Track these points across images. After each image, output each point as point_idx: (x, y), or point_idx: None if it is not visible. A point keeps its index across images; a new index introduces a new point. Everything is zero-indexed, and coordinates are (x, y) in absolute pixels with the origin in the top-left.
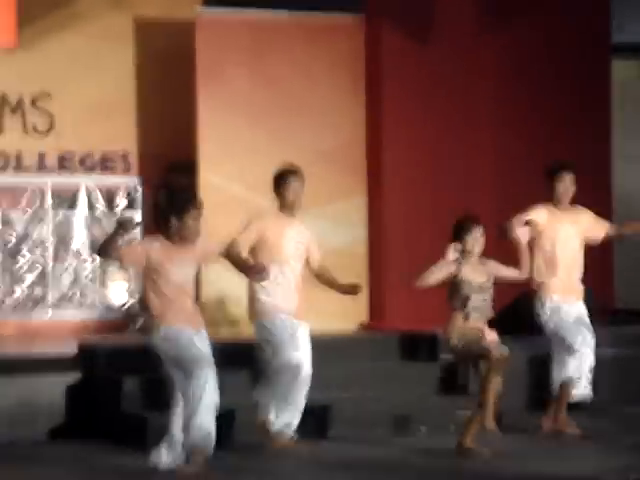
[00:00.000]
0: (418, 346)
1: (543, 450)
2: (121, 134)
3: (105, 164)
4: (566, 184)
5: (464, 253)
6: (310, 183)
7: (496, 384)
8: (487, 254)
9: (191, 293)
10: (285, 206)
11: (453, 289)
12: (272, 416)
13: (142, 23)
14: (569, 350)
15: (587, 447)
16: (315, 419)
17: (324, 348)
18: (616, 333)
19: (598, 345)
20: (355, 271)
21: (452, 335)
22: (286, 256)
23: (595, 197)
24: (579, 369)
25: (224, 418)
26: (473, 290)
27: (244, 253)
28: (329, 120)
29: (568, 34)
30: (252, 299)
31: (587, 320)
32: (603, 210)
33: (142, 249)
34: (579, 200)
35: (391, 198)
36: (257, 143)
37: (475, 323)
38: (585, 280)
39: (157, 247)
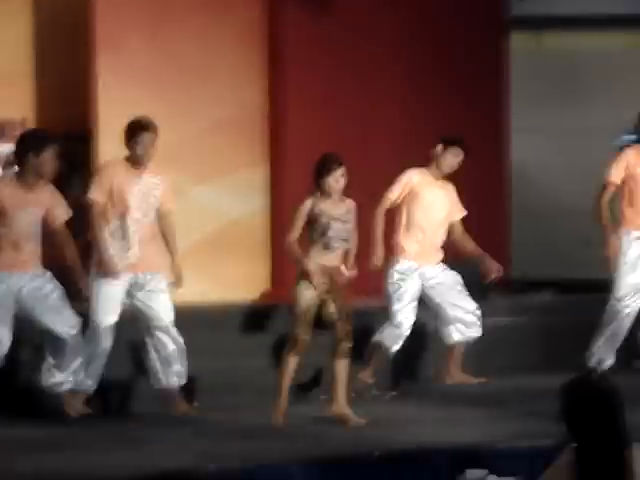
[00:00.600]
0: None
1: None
2: (18, 102)
3: (2, 132)
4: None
5: (323, 192)
6: (212, 153)
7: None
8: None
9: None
10: (134, 159)
11: (312, 222)
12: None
13: None
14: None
15: (480, 414)
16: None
17: (224, 318)
18: (512, 302)
19: (494, 314)
20: (257, 241)
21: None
22: (130, 209)
23: (490, 168)
24: None
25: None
26: (332, 219)
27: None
28: (231, 90)
29: (462, 5)
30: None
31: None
32: (498, 181)
33: None
34: (476, 171)
35: (293, 167)
36: (158, 114)
37: (331, 258)
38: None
39: (6, 193)
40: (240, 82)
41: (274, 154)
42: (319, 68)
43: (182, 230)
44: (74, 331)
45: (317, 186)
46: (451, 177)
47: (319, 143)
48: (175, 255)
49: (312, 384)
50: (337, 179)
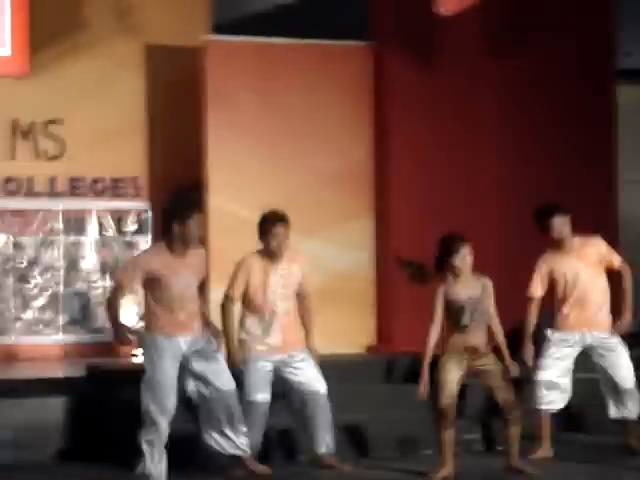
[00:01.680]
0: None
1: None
2: (131, 159)
3: (115, 189)
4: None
5: (454, 272)
6: (318, 207)
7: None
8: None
9: (193, 300)
10: (270, 252)
11: (447, 309)
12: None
13: (152, 50)
14: None
15: None
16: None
17: (333, 370)
18: None
19: None
20: (363, 294)
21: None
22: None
23: (601, 220)
24: None
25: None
26: (466, 303)
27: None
28: (337, 145)
29: (570, 59)
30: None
31: None
32: (609, 234)
33: (140, 266)
34: (585, 225)
35: (398, 221)
36: (265, 168)
37: (474, 337)
38: None
39: (157, 259)
40: (346, 136)
41: (379, 208)
42: (424, 124)
43: None
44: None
45: (444, 268)
46: None
47: (423, 198)
48: (312, 336)
49: None
50: (463, 257)
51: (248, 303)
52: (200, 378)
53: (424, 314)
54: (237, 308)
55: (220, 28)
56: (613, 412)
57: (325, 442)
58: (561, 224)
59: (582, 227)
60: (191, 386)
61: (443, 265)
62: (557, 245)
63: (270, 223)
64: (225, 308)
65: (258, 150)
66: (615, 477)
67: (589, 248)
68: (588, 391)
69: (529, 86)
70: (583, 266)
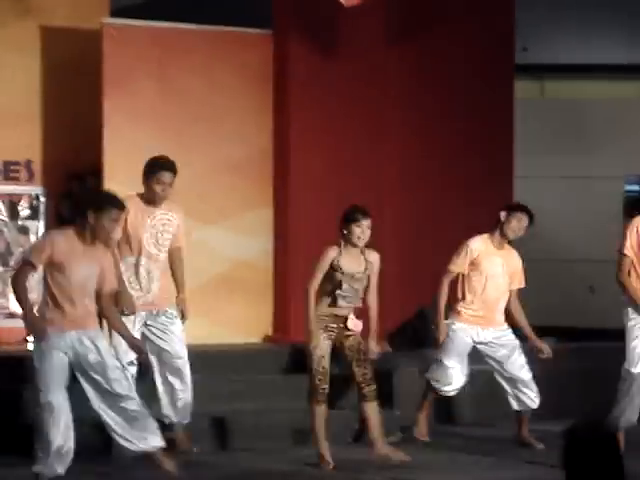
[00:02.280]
0: None
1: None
2: (25, 143)
3: (8, 172)
4: None
5: (347, 241)
6: (218, 194)
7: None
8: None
9: (90, 295)
10: (150, 197)
11: (328, 274)
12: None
13: (48, 32)
14: None
15: (486, 460)
16: (215, 431)
17: (227, 359)
18: None
19: None
20: (261, 284)
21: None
22: (144, 245)
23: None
24: None
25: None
26: (346, 278)
27: None
28: (237, 131)
29: (472, 53)
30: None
31: None
32: None
33: (49, 244)
34: (484, 218)
35: (297, 210)
36: (164, 153)
37: (340, 309)
38: None
39: (65, 241)
40: (247, 124)
41: (279, 196)
42: (325, 111)
43: (187, 271)
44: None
45: (342, 236)
46: (458, 221)
47: (324, 187)
48: (182, 290)
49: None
50: (363, 230)
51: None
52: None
53: None
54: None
55: (120, 12)
56: (514, 404)
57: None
58: (517, 224)
59: (481, 221)
60: None
61: (341, 233)
62: (492, 237)
63: (158, 168)
64: None
65: (157, 136)
66: (502, 467)
67: (514, 260)
68: (484, 383)
69: (431, 77)
70: (502, 271)
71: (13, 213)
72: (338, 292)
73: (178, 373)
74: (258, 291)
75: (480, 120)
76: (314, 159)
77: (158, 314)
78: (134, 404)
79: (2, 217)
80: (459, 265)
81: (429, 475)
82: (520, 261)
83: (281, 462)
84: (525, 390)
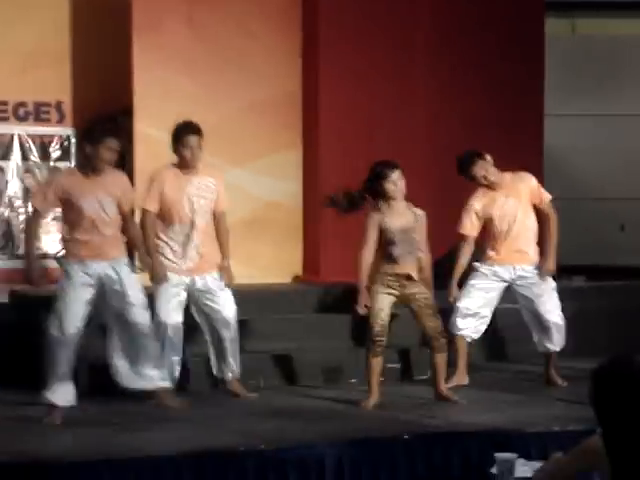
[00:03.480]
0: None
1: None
2: (55, 84)
3: (39, 114)
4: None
5: (386, 199)
6: (246, 136)
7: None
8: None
9: (110, 224)
10: (183, 164)
11: (381, 237)
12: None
13: None
14: None
15: (512, 399)
16: (247, 370)
17: (258, 300)
18: None
19: None
20: (290, 225)
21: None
22: (185, 213)
23: (527, 156)
24: None
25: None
26: (398, 235)
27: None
28: (265, 73)
29: None
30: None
31: None
32: (534, 169)
33: (52, 187)
34: (513, 159)
35: (326, 151)
36: (193, 95)
37: (401, 266)
38: None
39: (69, 179)
40: (275, 65)
41: (308, 138)
42: (355, 53)
43: None
44: None
45: (377, 196)
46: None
47: (352, 129)
48: (227, 257)
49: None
50: (395, 182)
51: (163, 216)
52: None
53: (351, 245)
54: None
55: None
56: (539, 345)
57: (231, 368)
58: (481, 170)
59: (511, 161)
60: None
61: (375, 192)
62: (487, 185)
63: (183, 133)
64: (143, 222)
65: (185, 77)
66: (534, 405)
67: (520, 184)
68: (514, 322)
69: (461, 17)
70: (513, 202)
71: (44, 154)
72: (393, 249)
73: (228, 330)
74: (288, 232)
75: (511, 59)
76: (343, 100)
77: (202, 279)
78: (150, 338)
79: (34, 158)
80: (471, 228)
81: (464, 415)
82: (529, 179)
83: (314, 400)
84: (550, 333)
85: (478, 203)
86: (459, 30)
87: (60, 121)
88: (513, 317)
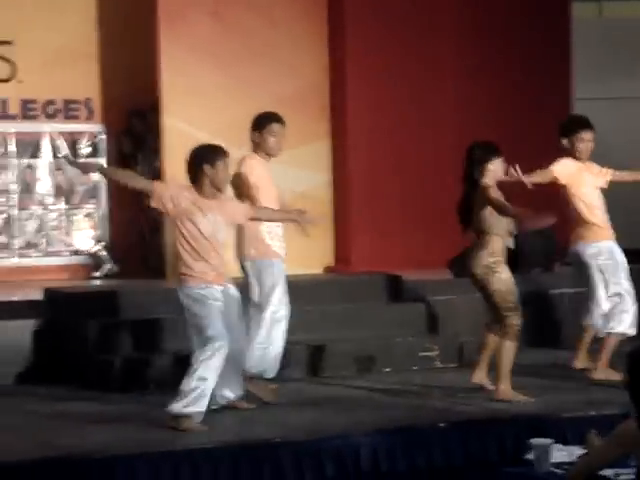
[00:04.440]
0: (385, 288)
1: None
2: (84, 81)
3: (68, 111)
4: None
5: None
6: None
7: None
8: None
9: (221, 247)
10: (268, 151)
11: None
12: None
13: None
14: None
15: (547, 384)
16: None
17: (290, 291)
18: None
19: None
20: (321, 216)
21: None
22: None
23: (557, 139)
24: None
25: None
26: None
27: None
28: (292, 65)
29: None
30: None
31: None
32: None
33: (173, 194)
34: (542, 143)
35: (355, 142)
36: (220, 88)
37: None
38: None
39: (187, 196)
40: (302, 57)
41: (336, 130)
42: (381, 44)
43: None
44: None
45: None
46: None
47: (379, 119)
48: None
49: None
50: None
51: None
52: None
53: (380, 235)
54: None
55: None
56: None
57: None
58: (581, 143)
59: (541, 145)
60: None
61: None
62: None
63: (268, 121)
64: None
65: (213, 71)
66: (569, 390)
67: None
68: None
69: (488, 1)
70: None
71: (74, 151)
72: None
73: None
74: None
75: (537, 42)
76: (370, 89)
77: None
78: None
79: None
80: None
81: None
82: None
83: (348, 389)
84: (621, 315)
85: (567, 167)
86: (487, 15)
87: (89, 118)
88: (548, 302)
